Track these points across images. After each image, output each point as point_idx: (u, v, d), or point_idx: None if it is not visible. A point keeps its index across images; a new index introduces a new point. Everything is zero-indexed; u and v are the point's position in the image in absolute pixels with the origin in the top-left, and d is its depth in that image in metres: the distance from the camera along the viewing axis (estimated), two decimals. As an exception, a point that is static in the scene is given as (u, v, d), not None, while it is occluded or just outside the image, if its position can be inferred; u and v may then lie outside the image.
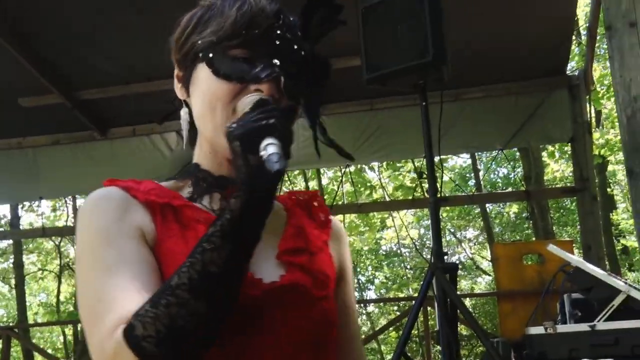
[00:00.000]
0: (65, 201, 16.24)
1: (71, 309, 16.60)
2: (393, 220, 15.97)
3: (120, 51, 4.78)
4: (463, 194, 10.16)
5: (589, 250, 5.19)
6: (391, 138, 5.68)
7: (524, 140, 5.91)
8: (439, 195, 3.01)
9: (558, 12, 4.69)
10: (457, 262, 17.86)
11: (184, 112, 1.16)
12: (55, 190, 7.17)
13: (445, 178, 16.36)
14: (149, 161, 5.96)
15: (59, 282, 17.34)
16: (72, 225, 16.11)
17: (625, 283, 2.45)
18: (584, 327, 2.45)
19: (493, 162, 12.73)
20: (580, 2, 8.79)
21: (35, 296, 19.53)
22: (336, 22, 1.11)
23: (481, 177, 15.52)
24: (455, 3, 3.96)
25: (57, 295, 17.22)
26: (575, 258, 2.58)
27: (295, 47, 1.07)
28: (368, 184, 14.82)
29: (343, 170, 7.57)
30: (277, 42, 1.05)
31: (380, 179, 14.38)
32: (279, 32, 1.06)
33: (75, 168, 6.10)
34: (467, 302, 12.19)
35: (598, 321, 2.43)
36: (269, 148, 0.86)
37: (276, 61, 1.04)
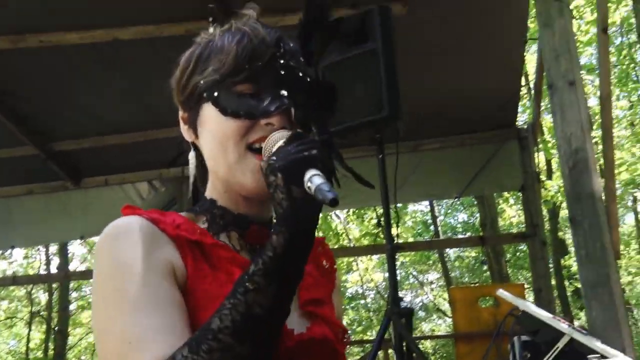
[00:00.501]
0: (38, 249, 15.94)
1: (40, 355, 16.10)
2: (357, 264, 15.99)
3: (93, 105, 4.80)
4: (422, 239, 10.32)
5: (540, 293, 5.27)
6: (352, 187, 5.71)
7: (478, 188, 6.03)
8: (397, 242, 3.05)
9: (507, 71, 4.86)
10: (420, 303, 17.88)
11: (191, 155, 1.08)
12: (28, 239, 7.05)
13: (410, 223, 16.58)
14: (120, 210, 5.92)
15: (29, 330, 16.85)
16: (44, 272, 15.82)
17: (569, 326, 2.50)
18: (531, 367, 2.49)
19: (450, 209, 12.93)
20: (533, 59, 9.10)
21: (6, 343, 18.92)
22: (331, 41, 1.06)
23: (439, 224, 15.67)
24: (412, 62, 4.10)
25: (27, 343, 16.71)
26: (522, 302, 2.62)
27: (300, 74, 1.01)
28: (333, 231, 14.89)
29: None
30: (282, 72, 0.99)
31: (345, 226, 14.44)
32: (282, 61, 1.00)
33: (48, 217, 6.03)
34: (428, 343, 12.16)
35: (544, 362, 2.48)
36: (315, 179, 0.80)
37: (284, 92, 0.98)
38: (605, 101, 3.57)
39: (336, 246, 14.02)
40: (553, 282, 9.67)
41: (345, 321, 18.63)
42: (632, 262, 14.03)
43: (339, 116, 3.28)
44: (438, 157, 5.70)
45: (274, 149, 0.90)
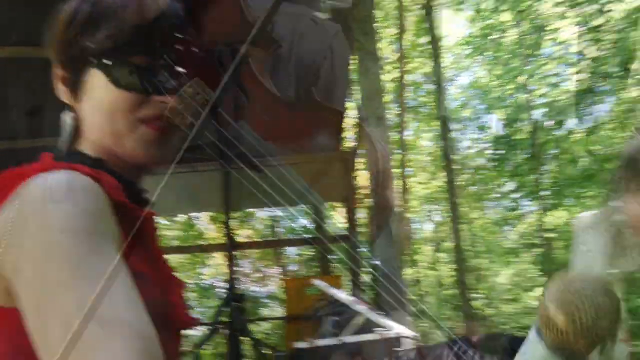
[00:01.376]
0: None
1: None
2: (212, 260, 15.91)
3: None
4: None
5: (355, 283, 5.58)
6: (210, 195, 5.74)
7: (311, 199, 6.25)
8: (238, 241, 3.11)
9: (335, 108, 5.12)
10: (266, 292, 18.04)
11: (68, 117, 0.83)
12: None
13: (261, 226, 16.73)
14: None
15: None
16: None
17: (367, 308, 2.71)
18: (334, 340, 2.68)
19: (294, 215, 13.24)
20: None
21: None
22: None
23: (282, 228, 16.00)
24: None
25: None
26: (332, 290, 2.82)
27: (192, 48, 0.83)
28: (195, 232, 14.81)
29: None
30: (179, 47, 0.81)
31: (204, 228, 14.30)
32: (178, 34, 0.81)
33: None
34: (266, 324, 12.39)
35: (344, 336, 2.67)
36: None
37: (180, 69, 0.80)
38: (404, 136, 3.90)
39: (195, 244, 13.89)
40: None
41: (202, 308, 18.31)
42: (427, 257, 15.17)
43: (192, 138, 3.31)
44: (279, 173, 5.83)
45: None
